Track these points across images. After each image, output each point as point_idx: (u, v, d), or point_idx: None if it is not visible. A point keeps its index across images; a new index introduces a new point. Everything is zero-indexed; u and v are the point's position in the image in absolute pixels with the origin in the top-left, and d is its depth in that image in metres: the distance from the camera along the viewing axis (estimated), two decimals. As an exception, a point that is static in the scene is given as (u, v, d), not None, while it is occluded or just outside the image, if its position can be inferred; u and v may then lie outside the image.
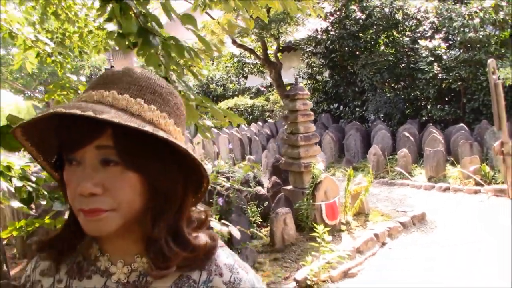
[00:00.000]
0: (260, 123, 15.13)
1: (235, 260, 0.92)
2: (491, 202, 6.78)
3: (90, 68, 21.86)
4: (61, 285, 0.92)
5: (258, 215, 5.93)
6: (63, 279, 0.92)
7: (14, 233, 2.58)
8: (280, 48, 14.31)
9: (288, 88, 14.08)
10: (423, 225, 6.10)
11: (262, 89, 18.32)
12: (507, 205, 6.35)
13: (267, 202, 6.11)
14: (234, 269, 0.89)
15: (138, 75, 0.85)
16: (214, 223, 3.60)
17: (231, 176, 6.54)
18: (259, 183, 7.15)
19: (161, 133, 0.76)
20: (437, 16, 10.93)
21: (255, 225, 5.85)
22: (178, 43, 2.28)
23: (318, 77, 14.05)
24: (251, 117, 16.25)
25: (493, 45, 9.75)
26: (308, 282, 4.55)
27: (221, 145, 13.29)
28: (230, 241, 5.22)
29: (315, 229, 4.94)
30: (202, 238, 0.89)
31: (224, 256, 0.91)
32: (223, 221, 4.14)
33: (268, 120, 15.25)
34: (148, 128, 0.75)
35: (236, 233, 3.71)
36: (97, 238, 0.89)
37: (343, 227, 5.76)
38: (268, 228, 5.73)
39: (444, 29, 10.74)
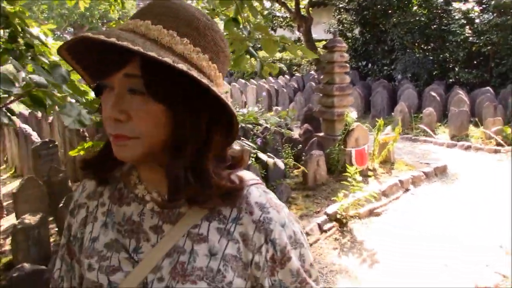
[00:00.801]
0: (287, 76, 15.44)
1: (267, 198, 0.92)
2: (509, 161, 7.15)
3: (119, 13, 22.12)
4: (104, 209, 0.97)
5: (292, 157, 6.40)
6: (106, 203, 0.97)
7: (81, 153, 2.81)
8: (312, 2, 14.45)
9: (317, 43, 14.33)
10: (445, 176, 6.53)
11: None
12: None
13: (300, 146, 6.56)
14: (265, 208, 0.90)
15: (177, 6, 0.84)
16: (262, 154, 4.08)
17: (266, 121, 6.97)
18: (290, 130, 7.62)
19: (181, 65, 0.75)
20: (473, -22, 11.01)
21: (287, 166, 6.33)
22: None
23: (348, 34, 14.23)
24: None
25: (527, 11, 9.88)
26: (338, 216, 5.05)
27: (249, 95, 13.67)
28: (266, 177, 5.73)
29: (346, 171, 5.40)
30: (233, 177, 0.91)
31: (257, 194, 0.92)
32: (268, 154, 4.63)
33: (296, 74, 15.53)
34: (169, 59, 0.74)
35: (281, 164, 4.18)
36: (136, 166, 0.94)
37: (370, 173, 6.21)
38: (301, 169, 6.21)
39: (479, -8, 10.85)
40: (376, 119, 6.90)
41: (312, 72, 14.93)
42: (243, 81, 15.44)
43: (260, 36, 2.72)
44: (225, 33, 2.94)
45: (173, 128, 0.82)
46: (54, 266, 1.07)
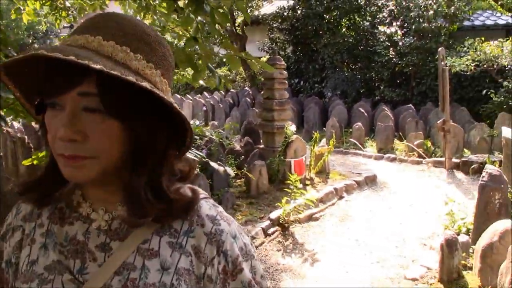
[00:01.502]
0: (222, 92, 15.83)
1: (217, 211, 0.93)
2: (430, 171, 7.89)
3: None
4: (42, 230, 0.92)
5: (234, 167, 6.75)
6: (45, 224, 0.92)
7: (35, 162, 2.84)
8: (246, 21, 15.00)
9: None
10: (374, 185, 7.14)
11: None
12: (443, 173, 7.53)
13: (242, 157, 6.93)
14: (216, 220, 0.90)
15: (126, 22, 0.83)
16: (212, 163, 4.42)
17: (210, 133, 7.31)
18: (229, 144, 8.00)
19: (144, 83, 0.75)
20: (396, 5, 11.97)
21: (230, 176, 6.68)
22: (224, 12, 3.03)
23: (281, 53, 14.86)
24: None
25: (443, 36, 10.90)
26: (280, 221, 5.45)
27: (185, 109, 13.92)
28: (211, 186, 6.04)
29: (286, 181, 5.84)
30: (185, 190, 0.90)
31: (207, 207, 0.92)
32: (219, 162, 4.96)
33: (230, 90, 15.97)
34: (132, 77, 0.74)
35: (230, 171, 4.54)
36: (80, 185, 0.90)
37: (308, 182, 6.68)
38: (243, 179, 6.58)
39: (401, 17, 11.81)
40: (312, 132, 7.42)
41: (247, 88, 15.41)
42: (178, 96, 15.67)
43: (224, 52, 3.07)
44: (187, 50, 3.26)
45: (129, 145, 0.81)
46: None
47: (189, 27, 3.98)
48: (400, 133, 9.59)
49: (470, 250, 4.38)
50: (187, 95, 15.72)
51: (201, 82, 5.29)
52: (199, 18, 3.34)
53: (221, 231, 0.89)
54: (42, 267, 0.87)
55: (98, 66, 0.71)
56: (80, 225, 0.89)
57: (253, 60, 3.00)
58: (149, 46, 0.82)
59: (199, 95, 15.56)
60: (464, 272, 4.11)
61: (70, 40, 0.80)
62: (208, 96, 15.04)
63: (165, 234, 0.87)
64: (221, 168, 4.45)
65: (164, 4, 6.35)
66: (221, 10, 3.05)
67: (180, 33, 5.69)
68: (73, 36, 0.81)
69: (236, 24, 15.19)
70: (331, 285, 4.26)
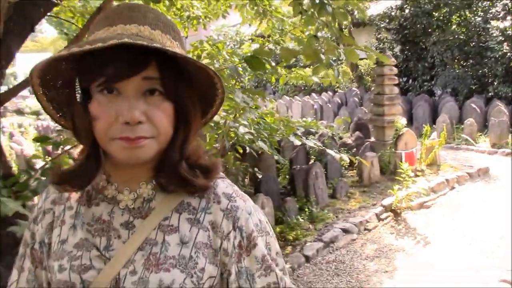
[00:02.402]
0: (330, 93, 16.23)
1: (233, 190, 0.99)
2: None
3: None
4: (71, 211, 0.98)
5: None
6: (74, 206, 0.98)
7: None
8: (353, 23, 15.26)
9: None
10: (487, 177, 7.18)
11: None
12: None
13: (354, 150, 7.32)
14: (232, 197, 0.96)
15: (159, 13, 0.91)
16: (330, 151, 4.87)
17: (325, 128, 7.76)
18: (341, 138, 8.41)
19: (199, 63, 0.86)
20: (511, -2, 11.63)
21: (343, 166, 7.09)
22: (344, 12, 3.50)
23: (389, 52, 14.93)
24: (320, 87, 17.35)
25: None
26: (393, 207, 5.78)
27: (294, 110, 14.51)
28: (326, 175, 6.50)
29: (397, 172, 6.14)
30: (207, 161, 0.97)
31: (223, 185, 0.98)
32: (335, 150, 5.41)
33: (338, 91, 16.30)
34: (202, 62, 0.83)
35: (346, 158, 4.96)
36: (106, 168, 0.96)
37: (419, 173, 6.91)
38: (355, 171, 6.96)
39: (517, 10, 11.46)
40: (422, 128, 7.61)
41: (354, 88, 15.66)
42: (287, 98, 16.32)
43: (343, 46, 3.53)
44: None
45: (177, 124, 0.90)
46: (9, 279, 1.05)
47: (310, 27, 4.49)
48: (516, 128, 9.39)
49: None
50: (296, 97, 16.31)
51: (315, 79, 5.82)
52: (322, 18, 3.84)
53: (236, 207, 0.95)
54: (71, 245, 0.94)
55: (177, 50, 0.82)
56: (106, 206, 0.95)
57: (371, 53, 3.44)
58: (178, 34, 0.93)
59: (307, 96, 16.08)
60: None
61: (118, 29, 0.86)
62: (317, 97, 15.50)
63: (184, 211, 0.94)
64: (337, 156, 4.90)
65: (279, 10, 6.98)
66: (341, 10, 3.52)
67: (298, 34, 6.28)
68: (118, 25, 0.86)
69: (343, 27, 15.51)
70: (441, 266, 4.54)
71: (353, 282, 4.38)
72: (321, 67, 3.93)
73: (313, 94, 16.13)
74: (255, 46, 6.49)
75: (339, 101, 14.63)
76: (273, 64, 3.59)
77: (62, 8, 4.30)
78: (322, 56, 3.74)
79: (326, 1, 3.50)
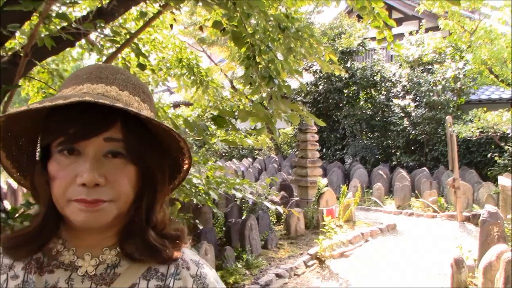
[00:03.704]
0: (250, 159, 17.20)
1: (198, 257, 0.99)
2: (444, 223, 8.95)
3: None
4: (17, 281, 0.90)
5: (274, 215, 7.92)
6: (20, 275, 0.90)
7: None
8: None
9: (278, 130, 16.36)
10: (395, 232, 8.23)
11: (251, 128, 20.49)
12: (455, 225, 8.58)
13: (281, 206, 8.10)
14: (199, 264, 0.96)
15: (129, 74, 0.90)
16: (268, 204, 5.61)
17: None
18: (266, 197, 9.22)
19: (165, 126, 0.83)
20: (408, 81, 13.45)
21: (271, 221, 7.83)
22: (288, 84, 4.37)
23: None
24: (239, 154, 18.31)
25: (451, 108, 12.27)
26: (318, 256, 6.55)
27: (217, 173, 15.17)
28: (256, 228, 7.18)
29: (320, 226, 6.98)
30: (173, 229, 0.96)
31: (189, 252, 0.98)
32: (273, 203, 6.13)
33: (257, 157, 17.32)
34: (167, 124, 0.82)
35: (281, 209, 5.70)
36: (61, 233, 0.90)
37: (338, 228, 7.79)
38: (282, 226, 7.73)
39: (413, 91, 13.24)
40: (338, 192, 8.61)
41: (273, 155, 16.76)
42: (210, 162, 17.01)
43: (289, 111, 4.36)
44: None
45: (140, 188, 0.87)
46: None
47: (254, 96, 5.31)
48: (416, 192, 10.70)
49: (476, 273, 5.43)
50: (218, 162, 17.08)
51: (249, 141, 6.66)
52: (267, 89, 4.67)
53: (205, 274, 0.95)
54: None
55: (144, 113, 0.82)
56: (62, 272, 0.88)
57: (311, 118, 4.30)
58: (149, 97, 0.92)
59: (229, 161, 16.92)
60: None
61: (85, 88, 0.83)
62: (237, 163, 16.37)
63: (152, 278, 0.90)
64: (273, 207, 5.64)
65: (215, 80, 7.85)
66: (286, 84, 4.39)
67: (233, 101, 7.11)
68: (84, 84, 0.84)
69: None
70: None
71: (288, 317, 5.02)
72: (263, 129, 4.72)
73: (234, 160, 17.00)
74: (188, 111, 7.21)
75: (259, 167, 15.57)
76: (232, 124, 4.31)
77: (40, 69, 4.82)
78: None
79: (273, 76, 4.35)
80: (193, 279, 0.93)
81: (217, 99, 7.09)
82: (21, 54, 3.56)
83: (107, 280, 0.88)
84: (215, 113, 5.15)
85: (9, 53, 3.92)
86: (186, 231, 0.98)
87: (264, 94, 4.87)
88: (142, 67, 4.02)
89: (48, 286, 0.88)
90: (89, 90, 0.83)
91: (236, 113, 4.53)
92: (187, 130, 4.35)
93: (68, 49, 4.36)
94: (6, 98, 3.41)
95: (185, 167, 0.97)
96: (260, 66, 4.48)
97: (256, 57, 4.42)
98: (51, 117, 0.82)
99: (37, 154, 0.87)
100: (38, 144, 0.86)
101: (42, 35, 3.15)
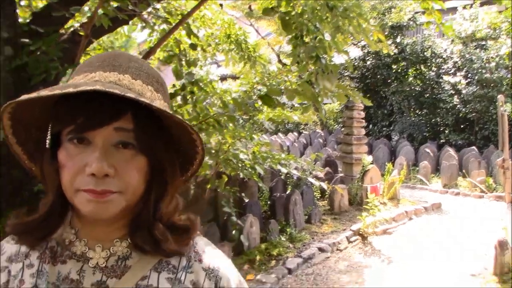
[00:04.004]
0: (295, 133, 17.28)
1: (212, 248, 0.96)
2: (491, 204, 8.83)
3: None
4: (32, 270, 0.90)
5: (318, 191, 8.05)
6: (35, 264, 0.90)
7: None
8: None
9: (325, 105, 16.33)
10: (440, 211, 8.21)
11: (297, 104, 20.52)
12: (503, 206, 8.44)
13: (325, 182, 8.22)
14: (213, 256, 0.93)
15: (142, 62, 0.89)
16: (312, 180, 5.72)
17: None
18: (311, 173, 9.33)
19: (177, 118, 0.81)
20: (460, 57, 13.10)
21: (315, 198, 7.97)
22: (335, 64, 4.42)
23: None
24: (285, 128, 18.40)
25: (504, 86, 11.90)
26: (360, 232, 6.65)
27: (263, 148, 15.36)
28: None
29: (363, 203, 7.06)
30: (185, 217, 0.94)
31: (203, 243, 0.95)
32: (315, 178, 6.26)
33: (303, 132, 17.37)
34: (179, 117, 0.81)
35: (325, 186, 5.82)
36: (74, 223, 0.90)
37: (382, 205, 7.85)
38: (326, 201, 7.85)
39: (465, 68, 12.91)
40: (385, 165, 8.62)
41: (318, 130, 16.78)
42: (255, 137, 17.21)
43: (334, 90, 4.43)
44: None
45: (150, 180, 0.86)
46: None
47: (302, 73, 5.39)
48: (464, 171, 10.55)
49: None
50: (264, 136, 17.25)
51: (295, 117, 6.77)
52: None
53: (218, 267, 0.91)
54: None
55: (157, 103, 0.79)
56: (74, 263, 0.88)
57: (357, 97, 4.36)
58: (162, 86, 0.90)
59: (274, 135, 17.07)
60: (514, 269, 5.16)
61: (97, 76, 0.82)
62: (283, 137, 16.48)
63: (163, 270, 0.89)
64: (316, 183, 5.76)
65: (263, 56, 7.94)
66: (332, 62, 4.44)
67: (280, 78, 7.19)
68: (97, 72, 0.83)
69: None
70: (401, 277, 5.41)
71: (330, 290, 5.18)
72: (309, 107, 4.80)
73: (280, 134, 17.12)
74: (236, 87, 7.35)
75: (305, 142, 15.64)
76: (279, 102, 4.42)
77: (96, 46, 5.06)
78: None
79: (320, 55, 4.41)
80: (206, 272, 0.90)
81: (264, 74, 7.19)
82: (80, 33, 3.79)
83: (118, 272, 0.87)
84: (263, 88, 5.29)
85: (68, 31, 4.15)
86: (198, 221, 0.95)
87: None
88: (193, 47, 4.18)
89: (60, 276, 0.88)
90: (101, 78, 0.81)
91: (283, 92, 4.63)
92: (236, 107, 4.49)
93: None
94: (68, 77, 3.65)
95: (198, 159, 0.94)
96: (307, 45, 4.55)
97: (304, 37, 4.49)
98: (61, 105, 0.81)
99: (47, 142, 0.86)
100: (48, 132, 0.85)
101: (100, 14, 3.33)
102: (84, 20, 3.43)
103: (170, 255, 0.89)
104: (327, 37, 4.30)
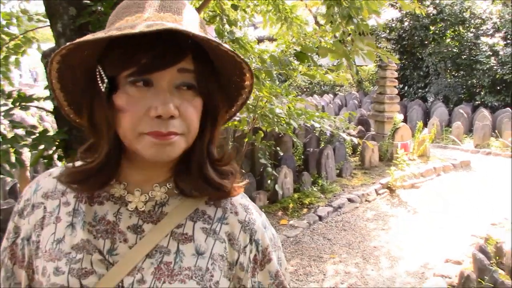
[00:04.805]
0: (331, 95, 17.51)
1: (248, 201, 0.97)
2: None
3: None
4: (68, 208, 0.89)
5: (350, 147, 8.43)
6: (71, 202, 0.90)
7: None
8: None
9: (358, 67, 16.43)
10: (468, 168, 8.47)
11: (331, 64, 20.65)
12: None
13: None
14: (249, 209, 0.94)
15: (189, 6, 0.87)
16: (343, 135, 6.07)
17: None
18: (343, 131, 9.68)
19: (231, 52, 0.80)
20: (500, 18, 12.97)
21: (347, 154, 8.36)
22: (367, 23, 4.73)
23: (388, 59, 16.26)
24: (321, 90, 18.63)
25: (544, 47, 11.80)
26: (389, 185, 7.03)
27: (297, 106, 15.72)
28: (334, 158, 7.73)
29: (393, 160, 7.40)
30: (228, 166, 0.93)
31: (239, 196, 0.95)
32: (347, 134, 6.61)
33: (338, 93, 17.58)
34: (240, 56, 0.81)
35: (355, 140, 6.16)
36: (117, 166, 0.88)
37: (411, 161, 8.18)
38: (357, 157, 8.23)
39: (504, 29, 12.79)
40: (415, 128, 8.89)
41: (354, 92, 16.96)
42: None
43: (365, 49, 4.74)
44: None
45: (203, 121, 0.85)
46: None
47: (336, 33, 5.70)
48: (497, 132, 10.67)
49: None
50: (298, 96, 17.56)
51: (330, 77, 7.10)
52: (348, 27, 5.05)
53: (254, 220, 0.93)
54: (69, 246, 0.85)
55: (226, 45, 0.79)
56: (111, 205, 0.88)
57: (385, 55, 4.67)
58: (202, 23, 0.88)
59: (310, 97, 17.35)
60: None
61: (153, 17, 0.80)
62: (318, 98, 16.76)
63: (199, 220, 0.89)
64: (348, 138, 6.13)
65: (299, 17, 8.24)
66: (364, 22, 4.75)
67: (316, 39, 7.51)
68: (152, 13, 0.81)
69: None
70: (425, 226, 5.80)
71: (356, 235, 5.62)
72: (342, 65, 5.13)
73: (315, 96, 17.39)
74: (273, 47, 7.68)
75: (340, 103, 15.88)
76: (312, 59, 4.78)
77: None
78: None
79: (352, 15, 4.72)
80: (241, 225, 0.92)
81: (300, 35, 7.51)
82: None
83: (154, 218, 0.87)
84: (299, 48, 5.64)
85: None
86: (239, 171, 0.94)
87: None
88: (235, 7, 4.55)
89: (97, 217, 0.88)
90: (158, 18, 0.79)
91: (317, 49, 4.99)
92: (272, 64, 4.86)
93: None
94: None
95: (245, 95, 0.94)
96: (341, 6, 4.86)
97: (337, -3, 4.79)
98: (117, 47, 0.79)
99: (102, 86, 0.81)
100: (102, 75, 0.81)
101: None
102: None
103: (224, 197, 0.92)
104: (358, -3, 4.60)
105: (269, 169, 6.30)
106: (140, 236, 0.86)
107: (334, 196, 6.68)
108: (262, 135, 6.20)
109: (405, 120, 13.09)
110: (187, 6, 0.87)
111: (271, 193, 6.38)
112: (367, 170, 7.84)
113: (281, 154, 7.07)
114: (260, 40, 16.89)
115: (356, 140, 6.17)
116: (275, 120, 5.63)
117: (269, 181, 6.29)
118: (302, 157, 7.69)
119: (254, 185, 6.48)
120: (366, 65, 17.49)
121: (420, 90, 14.87)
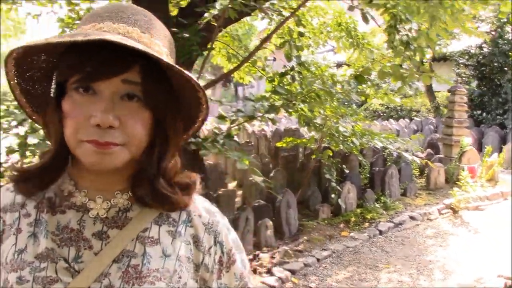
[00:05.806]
0: (407, 120, 17.54)
1: (210, 205, 0.99)
2: None
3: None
4: (29, 219, 0.89)
5: (417, 169, 8.65)
6: (32, 213, 0.90)
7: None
8: (434, 58, 16.64)
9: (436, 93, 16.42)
10: (539, 195, 8.40)
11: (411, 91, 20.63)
12: None
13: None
14: (211, 212, 0.97)
15: (151, 16, 0.88)
16: (406, 154, 6.36)
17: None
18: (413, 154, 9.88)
19: (186, 74, 0.81)
20: None
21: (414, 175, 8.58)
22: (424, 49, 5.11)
23: (466, 86, 16.12)
24: (397, 114, 18.69)
25: None
26: (452, 206, 7.21)
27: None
28: (399, 178, 8.00)
29: (459, 182, 7.57)
30: (185, 175, 0.95)
31: (201, 200, 0.99)
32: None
33: (415, 118, 17.57)
34: (191, 75, 0.81)
35: (417, 160, 6.45)
36: (73, 174, 0.91)
37: (478, 185, 8.26)
38: (423, 179, 8.44)
39: None
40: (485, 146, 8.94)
41: (430, 117, 16.91)
42: (367, 122, 17.79)
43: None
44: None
45: (153, 135, 0.86)
46: None
47: (397, 58, 6.09)
48: None
49: None
50: (375, 121, 17.76)
51: (397, 100, 7.46)
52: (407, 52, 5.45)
53: (217, 222, 0.96)
54: (32, 256, 0.85)
55: (165, 58, 0.80)
56: (74, 213, 0.88)
57: (439, 77, 5.03)
58: (170, 43, 0.91)
59: (386, 121, 17.48)
60: None
61: (105, 26, 0.81)
62: (394, 123, 16.85)
63: (164, 223, 0.91)
64: (410, 157, 6.44)
65: (370, 43, 8.64)
66: (422, 47, 5.14)
67: (384, 63, 7.88)
68: (104, 22, 0.82)
69: (424, 60, 16.87)
70: (485, 246, 5.94)
71: (414, 249, 5.89)
72: (403, 87, 5.51)
73: (391, 120, 17.49)
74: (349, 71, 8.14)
75: (415, 128, 15.90)
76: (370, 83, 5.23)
77: (224, 34, 6.20)
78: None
79: (410, 42, 5.13)
80: (205, 227, 0.94)
81: (369, 60, 7.93)
82: (213, 24, 4.89)
83: (119, 223, 0.88)
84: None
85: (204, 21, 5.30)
86: (198, 180, 0.96)
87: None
88: (301, 34, 5.12)
89: (60, 226, 0.87)
90: (110, 29, 0.81)
91: (374, 73, 5.43)
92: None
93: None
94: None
95: (201, 118, 0.96)
96: (399, 33, 5.30)
97: (397, 26, 5.23)
98: (69, 54, 0.81)
99: (52, 90, 0.86)
100: (54, 81, 0.85)
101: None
102: (216, 13, 4.47)
103: (170, 209, 0.91)
104: (415, 26, 5.01)
105: (334, 183, 6.71)
106: (106, 242, 0.86)
107: (396, 213, 6.96)
108: (330, 153, 6.64)
109: (480, 147, 12.99)
110: (150, 18, 0.88)
111: (334, 207, 6.79)
112: (432, 191, 8.03)
113: (347, 171, 7.47)
114: (339, 65, 17.27)
115: (418, 161, 6.49)
116: (341, 138, 6.03)
117: (333, 195, 6.70)
118: (368, 175, 8.03)
119: (319, 199, 6.93)
120: (444, 91, 17.39)
121: (498, 117, 14.63)
